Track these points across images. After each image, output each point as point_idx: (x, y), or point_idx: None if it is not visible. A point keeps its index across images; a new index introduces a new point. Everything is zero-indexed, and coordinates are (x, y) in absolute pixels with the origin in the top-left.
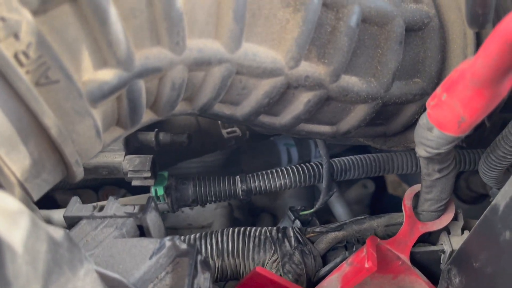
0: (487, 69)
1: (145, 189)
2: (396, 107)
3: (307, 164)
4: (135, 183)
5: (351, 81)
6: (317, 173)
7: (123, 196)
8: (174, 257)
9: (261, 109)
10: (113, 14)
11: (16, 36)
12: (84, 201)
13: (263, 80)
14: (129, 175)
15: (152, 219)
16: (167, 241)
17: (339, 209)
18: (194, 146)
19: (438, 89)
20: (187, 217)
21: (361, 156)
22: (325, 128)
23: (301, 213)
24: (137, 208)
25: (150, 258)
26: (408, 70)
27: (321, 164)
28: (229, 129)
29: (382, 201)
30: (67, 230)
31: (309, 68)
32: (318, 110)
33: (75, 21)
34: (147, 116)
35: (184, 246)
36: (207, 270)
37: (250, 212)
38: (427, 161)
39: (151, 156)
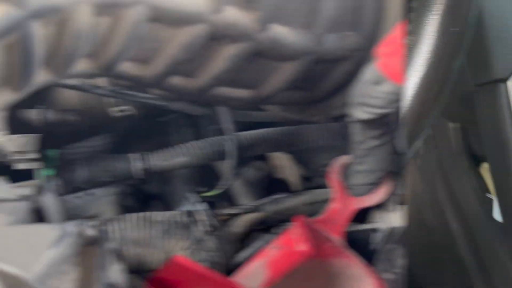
0: None
1: (30, 176)
2: (326, 66)
3: (210, 139)
4: (19, 166)
5: (282, 32)
6: (221, 149)
7: None
8: (81, 246)
9: (177, 67)
10: None
11: None
12: None
13: (181, 29)
14: (12, 157)
15: (50, 201)
16: (72, 227)
17: (241, 190)
18: (82, 127)
19: (394, 32)
20: (74, 207)
21: (269, 129)
22: (244, 93)
23: (204, 194)
24: (31, 189)
25: (52, 248)
26: (342, 21)
27: (226, 139)
28: (120, 107)
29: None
30: None
31: (236, 14)
32: (242, 68)
33: None
34: (42, 75)
35: (92, 232)
36: (119, 260)
37: (141, 200)
38: (363, 126)
39: (38, 135)
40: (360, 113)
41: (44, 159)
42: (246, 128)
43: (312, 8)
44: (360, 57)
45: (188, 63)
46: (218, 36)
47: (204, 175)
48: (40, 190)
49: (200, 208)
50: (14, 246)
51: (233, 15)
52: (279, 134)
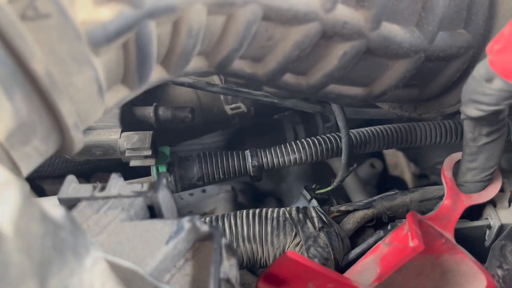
0: None
1: (143, 173)
2: (437, 64)
3: (323, 136)
4: (133, 163)
5: (393, 30)
6: (334, 146)
7: None
8: (194, 242)
9: (289, 65)
10: None
11: None
12: None
13: (294, 27)
14: (126, 154)
15: (164, 198)
16: (186, 223)
17: (354, 188)
18: (195, 124)
19: (507, 29)
20: (187, 204)
21: (381, 126)
22: (357, 90)
23: (317, 191)
24: (146, 186)
25: (167, 243)
26: (452, 19)
27: (339, 136)
28: (233, 105)
29: (385, 182)
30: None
31: (347, 12)
32: (353, 66)
33: None
34: (157, 74)
35: (206, 228)
36: (233, 256)
37: (254, 197)
38: (474, 124)
39: (151, 132)
40: (471, 110)
41: (157, 155)
42: (359, 125)
43: (423, 6)
44: (471, 54)
45: (300, 61)
46: (330, 34)
47: (317, 172)
48: (154, 186)
49: (313, 204)
50: (130, 241)
51: (345, 13)
52: (393, 132)
